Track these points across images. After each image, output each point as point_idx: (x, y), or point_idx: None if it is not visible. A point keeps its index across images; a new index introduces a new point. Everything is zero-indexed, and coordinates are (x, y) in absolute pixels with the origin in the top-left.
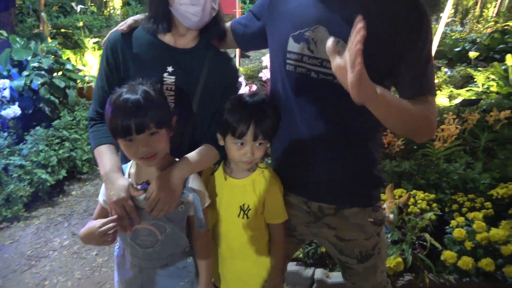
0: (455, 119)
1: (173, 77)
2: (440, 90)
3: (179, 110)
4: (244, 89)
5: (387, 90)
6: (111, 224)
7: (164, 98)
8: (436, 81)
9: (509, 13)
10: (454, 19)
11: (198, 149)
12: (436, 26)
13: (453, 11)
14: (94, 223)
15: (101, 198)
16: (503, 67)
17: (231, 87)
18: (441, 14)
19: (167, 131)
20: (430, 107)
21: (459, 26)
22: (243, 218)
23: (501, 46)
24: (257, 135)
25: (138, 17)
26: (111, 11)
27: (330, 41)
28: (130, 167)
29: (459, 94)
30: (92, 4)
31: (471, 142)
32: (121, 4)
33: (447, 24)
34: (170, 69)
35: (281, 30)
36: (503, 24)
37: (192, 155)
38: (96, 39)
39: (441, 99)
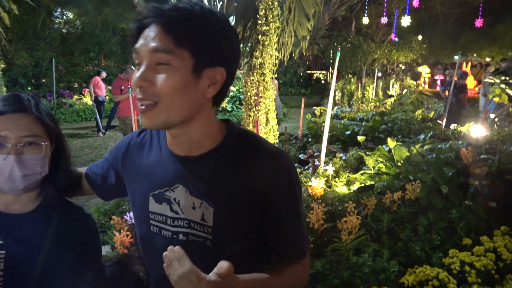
0: (355, 209)
1: (3, 252)
2: (339, 177)
3: None
4: None
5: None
6: None
7: None
8: (333, 168)
9: (384, 95)
10: (342, 101)
11: None
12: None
13: (340, 94)
14: None
15: None
16: (387, 149)
17: (90, 246)
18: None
19: None
20: (304, 266)
21: (348, 107)
22: None
23: (383, 126)
24: None
25: None
26: None
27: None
28: None
29: (355, 179)
30: None
31: (374, 226)
32: None
33: (338, 107)
34: None
35: (141, 188)
36: (381, 103)
37: None
38: None
39: (340, 187)
